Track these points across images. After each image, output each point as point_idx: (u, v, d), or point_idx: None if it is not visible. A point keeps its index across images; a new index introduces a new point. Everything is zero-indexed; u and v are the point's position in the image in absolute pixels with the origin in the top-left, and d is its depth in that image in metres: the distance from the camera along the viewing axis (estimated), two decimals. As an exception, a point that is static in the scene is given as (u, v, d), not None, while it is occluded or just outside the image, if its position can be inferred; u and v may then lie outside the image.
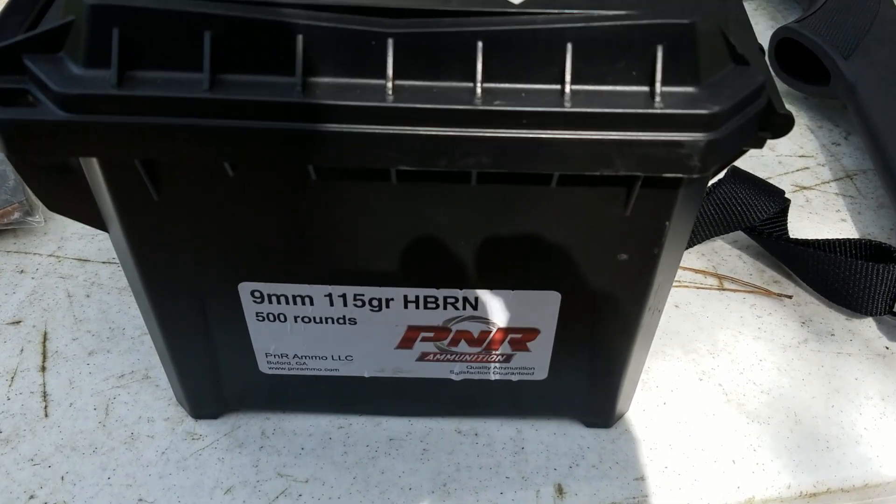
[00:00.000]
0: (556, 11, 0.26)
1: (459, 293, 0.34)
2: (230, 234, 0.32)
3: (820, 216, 0.56)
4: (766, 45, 0.66)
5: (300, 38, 0.26)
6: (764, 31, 0.73)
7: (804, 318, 0.50)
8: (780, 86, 0.66)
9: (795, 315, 0.50)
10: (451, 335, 0.37)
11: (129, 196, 0.30)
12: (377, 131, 0.26)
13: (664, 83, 0.26)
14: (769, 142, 0.29)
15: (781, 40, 0.63)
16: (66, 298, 0.48)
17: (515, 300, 0.35)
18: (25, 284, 0.49)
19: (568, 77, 0.26)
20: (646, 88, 0.27)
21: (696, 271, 0.52)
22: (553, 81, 0.27)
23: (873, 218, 0.56)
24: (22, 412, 0.43)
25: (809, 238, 0.51)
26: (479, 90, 0.26)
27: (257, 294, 0.34)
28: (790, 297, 0.50)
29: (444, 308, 0.35)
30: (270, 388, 0.40)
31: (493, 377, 0.40)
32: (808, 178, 0.60)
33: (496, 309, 0.35)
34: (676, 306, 0.50)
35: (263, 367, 0.39)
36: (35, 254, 0.51)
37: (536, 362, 0.39)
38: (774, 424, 0.44)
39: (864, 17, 0.61)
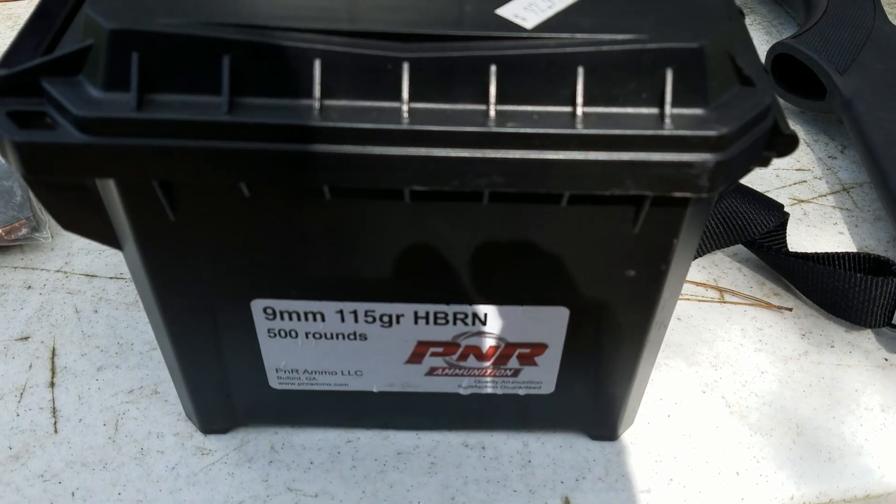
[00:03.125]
0: (567, 36, 0.27)
1: (469, 308, 0.35)
2: (244, 252, 0.32)
3: (818, 229, 0.57)
4: (762, 61, 0.66)
5: (317, 62, 0.26)
6: (760, 45, 0.74)
7: (804, 330, 0.50)
8: (777, 100, 0.67)
9: (795, 327, 0.50)
10: (460, 350, 0.37)
11: (146, 216, 0.30)
12: (392, 153, 0.27)
13: (673, 105, 0.27)
14: (777, 158, 0.30)
15: (778, 55, 0.64)
16: (74, 314, 0.49)
17: (524, 316, 0.35)
18: (33, 300, 0.49)
19: (579, 99, 0.27)
20: (655, 110, 0.27)
21: (698, 284, 0.53)
22: (565, 104, 0.27)
23: (870, 230, 0.57)
24: (31, 428, 0.43)
25: (808, 251, 0.52)
26: (492, 112, 0.27)
27: (269, 311, 0.35)
28: (790, 309, 0.51)
29: (454, 323, 0.36)
30: (280, 402, 0.41)
31: (500, 391, 0.40)
32: (806, 192, 0.60)
33: (505, 324, 0.36)
34: (678, 319, 0.51)
35: (273, 382, 0.39)
36: (42, 269, 0.51)
37: (544, 376, 0.39)
38: (777, 436, 0.45)
39: (860, 33, 0.61)
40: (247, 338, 0.36)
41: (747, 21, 0.78)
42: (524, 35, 0.27)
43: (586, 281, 0.34)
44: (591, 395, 0.41)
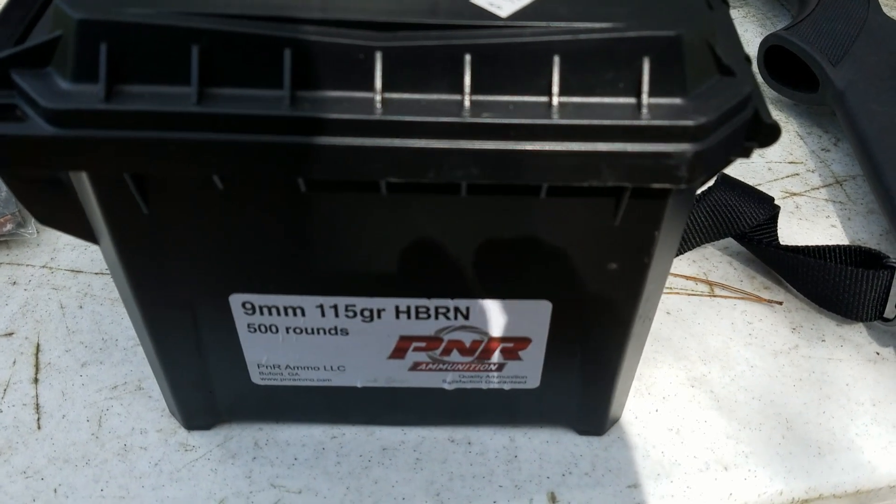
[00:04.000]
0: (542, 24, 0.26)
1: (451, 303, 0.35)
2: (221, 245, 0.32)
3: (810, 222, 0.57)
4: (755, 52, 0.66)
5: (288, 52, 0.26)
6: (753, 37, 0.73)
7: (795, 324, 0.50)
8: (770, 93, 0.67)
9: (786, 321, 0.50)
10: (442, 345, 0.37)
11: (119, 209, 0.30)
12: (366, 144, 0.26)
13: (651, 94, 0.27)
14: (757, 151, 0.30)
15: (770, 47, 0.63)
16: (59, 310, 0.48)
17: (506, 309, 0.35)
18: (18, 296, 0.49)
19: (555, 89, 0.26)
20: (633, 100, 0.27)
21: (687, 278, 0.52)
22: (540, 93, 0.27)
23: (863, 223, 0.57)
24: (14, 424, 0.43)
25: (800, 244, 0.51)
26: (467, 103, 0.26)
27: (248, 305, 0.34)
28: (780, 303, 0.50)
29: (436, 318, 0.35)
30: (263, 398, 0.40)
31: (485, 386, 0.40)
32: (798, 185, 0.60)
33: (487, 318, 0.35)
34: (668, 313, 0.50)
35: (256, 378, 0.39)
36: (27, 265, 0.51)
37: (528, 371, 0.39)
38: (766, 431, 0.44)
39: (853, 24, 0.61)
40: (227, 333, 0.36)
41: (740, 13, 0.78)
42: (499, 24, 0.26)
43: (568, 274, 0.33)
44: (576, 390, 0.40)
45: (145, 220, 0.30)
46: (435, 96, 0.27)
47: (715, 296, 0.51)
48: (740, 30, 0.74)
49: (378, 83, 0.26)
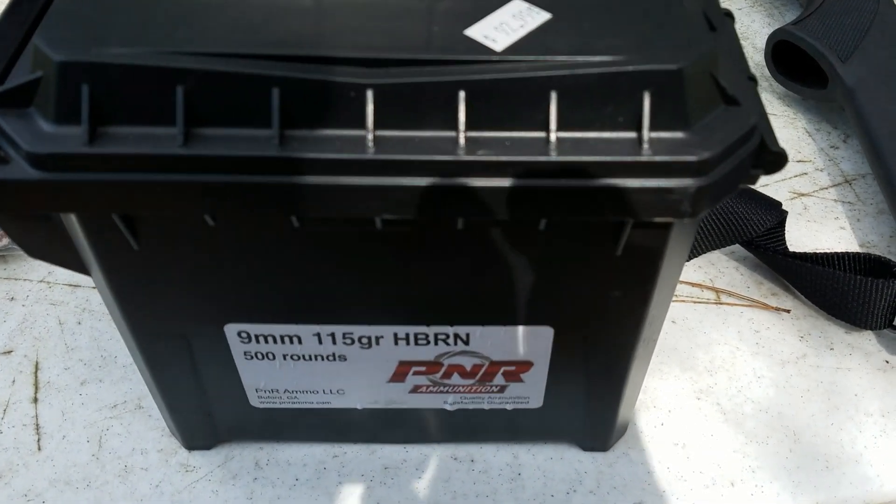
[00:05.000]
0: (538, 59, 0.26)
1: (450, 329, 0.34)
2: (214, 279, 0.31)
3: (818, 224, 0.56)
4: (762, 46, 0.65)
5: (276, 91, 0.25)
6: (761, 28, 0.72)
7: (802, 332, 0.49)
8: (778, 88, 0.66)
9: (794, 329, 0.49)
10: (443, 369, 0.36)
11: (109, 246, 0.29)
12: (359, 183, 0.26)
13: (652, 129, 0.26)
14: (764, 175, 0.29)
15: (779, 42, 0.62)
16: (58, 326, 0.48)
17: (507, 335, 0.34)
18: (16, 312, 0.49)
19: (553, 125, 0.26)
20: (633, 134, 0.26)
21: (693, 285, 0.51)
22: (538, 129, 0.26)
23: (873, 225, 0.56)
24: (15, 446, 0.43)
25: (808, 248, 0.50)
26: (462, 140, 0.26)
27: (244, 335, 0.34)
28: (788, 311, 0.50)
29: (436, 344, 0.35)
30: (262, 420, 0.40)
31: (487, 406, 0.39)
32: (806, 185, 0.59)
33: (488, 344, 0.35)
34: (673, 322, 0.49)
35: (254, 401, 0.38)
36: (25, 280, 0.51)
37: (531, 392, 0.38)
38: (773, 444, 0.44)
39: (863, 19, 0.59)
40: (223, 360, 0.35)
41: (748, 3, 0.76)
42: (494, 58, 0.26)
43: (570, 301, 0.33)
44: (580, 408, 0.40)
45: (136, 256, 0.30)
46: (429, 133, 0.26)
47: (721, 303, 0.51)
48: (747, 21, 0.73)
49: (370, 121, 0.25)
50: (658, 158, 0.25)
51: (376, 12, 0.27)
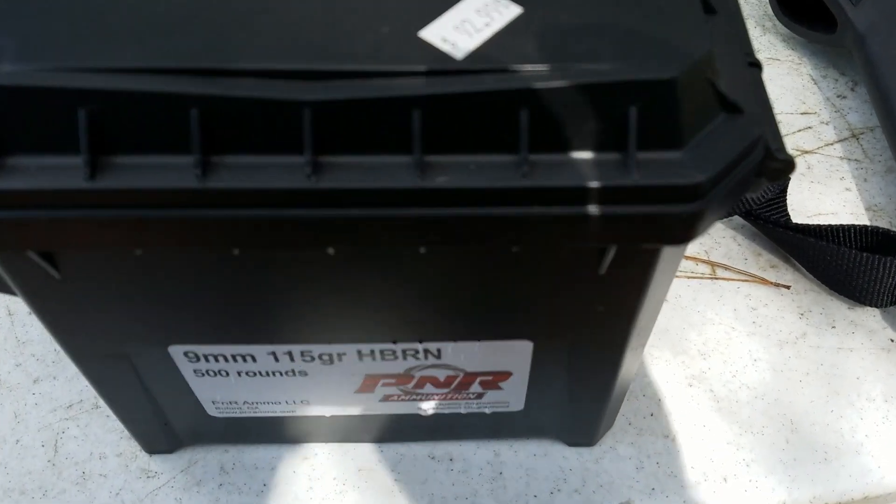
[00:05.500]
0: (507, 68, 0.22)
1: (419, 346, 0.31)
2: (149, 303, 0.28)
3: (822, 185, 0.52)
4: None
5: (195, 112, 0.21)
6: (766, -37, 0.66)
7: (803, 308, 0.46)
8: (782, 30, 0.61)
9: (793, 305, 0.46)
10: (414, 381, 0.33)
11: (29, 276, 0.26)
12: (298, 216, 0.22)
13: (640, 148, 0.22)
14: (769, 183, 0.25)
15: (784, -18, 0.57)
16: (7, 317, 0.45)
17: (483, 350, 0.31)
18: (-37, 301, 0.46)
19: (524, 146, 0.22)
20: (618, 155, 0.22)
21: (687, 258, 0.48)
22: (507, 150, 0.22)
23: (881, 185, 0.52)
24: (-35, 451, 0.40)
25: (811, 213, 0.47)
26: (418, 165, 0.22)
27: (191, 355, 0.31)
28: (788, 287, 0.47)
29: (404, 359, 0.32)
30: (225, 426, 0.37)
31: (465, 411, 0.36)
32: (811, 140, 0.55)
33: (462, 357, 0.32)
34: (665, 300, 0.46)
35: (212, 411, 0.36)
36: (-28, 265, 0.47)
37: (511, 398, 0.35)
38: (769, 434, 0.41)
39: (877, -43, 0.54)
40: (173, 377, 0.32)
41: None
42: (454, 68, 0.22)
43: (549, 317, 0.30)
44: (565, 409, 0.37)
45: (59, 283, 0.26)
46: (379, 158, 0.22)
47: (717, 278, 0.47)
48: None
49: (309, 145, 0.22)
50: (646, 183, 0.22)
51: (314, 13, 0.23)
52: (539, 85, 0.21)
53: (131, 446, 0.40)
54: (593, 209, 0.22)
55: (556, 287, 0.28)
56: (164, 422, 0.37)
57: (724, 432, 0.41)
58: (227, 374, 0.32)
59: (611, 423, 0.41)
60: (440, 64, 0.22)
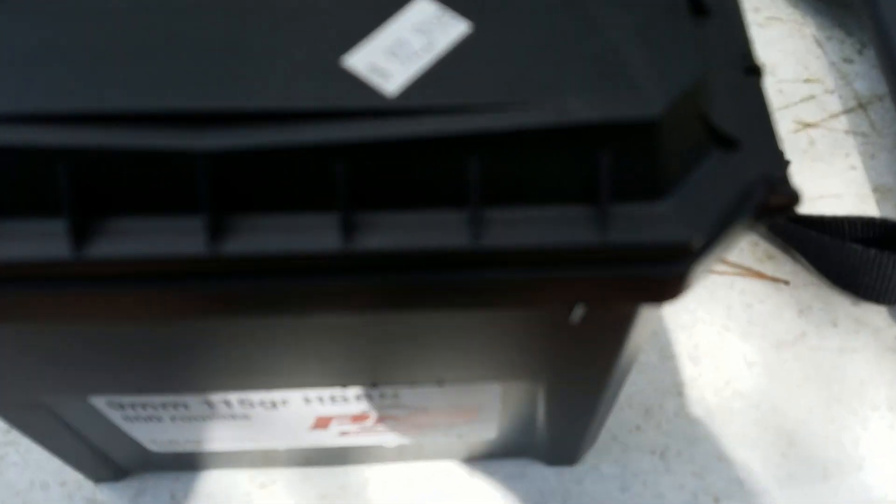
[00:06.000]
0: (450, 106, 0.17)
1: (373, 391, 0.27)
2: (63, 355, 0.24)
3: (826, 164, 0.48)
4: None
5: (63, 168, 0.17)
6: None
7: (802, 305, 0.43)
8: (785, -12, 0.56)
9: (792, 301, 0.43)
10: (372, 419, 0.30)
11: None
12: (196, 286, 0.18)
13: (614, 200, 0.18)
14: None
15: (788, -64, 0.51)
16: (-61, 330, 0.41)
17: (444, 392, 0.28)
18: None
19: (475, 199, 0.18)
20: (589, 209, 0.18)
21: (679, 250, 0.44)
22: (453, 205, 0.18)
23: (888, 163, 0.48)
24: None
25: (812, 195, 0.43)
26: (342, 225, 0.18)
27: (116, 404, 0.27)
28: (787, 282, 0.43)
29: (357, 401, 0.28)
30: (172, 457, 0.34)
31: (432, 439, 0.33)
32: (814, 112, 0.51)
33: (423, 398, 0.28)
34: (655, 297, 0.43)
35: (152, 447, 0.32)
36: None
37: (481, 428, 0.32)
38: (764, 448, 0.38)
39: None
40: (102, 421, 0.29)
41: None
42: (385, 106, 0.17)
43: (518, 361, 0.26)
44: (542, 436, 0.34)
45: (-56, 345, 0.23)
46: (295, 217, 0.18)
47: (710, 271, 0.44)
48: None
49: (206, 204, 0.18)
50: (622, 241, 0.18)
51: (209, 34, 0.18)
52: (491, 127, 0.17)
53: (76, 475, 0.37)
54: (559, 273, 0.18)
55: (522, 332, 0.24)
56: (104, 457, 0.33)
57: (715, 447, 0.38)
58: (161, 419, 0.29)
59: (594, 439, 0.38)
60: (369, 101, 0.17)
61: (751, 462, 0.38)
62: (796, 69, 0.53)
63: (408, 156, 0.17)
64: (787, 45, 0.54)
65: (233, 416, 0.29)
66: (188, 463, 0.36)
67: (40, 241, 0.18)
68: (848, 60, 0.53)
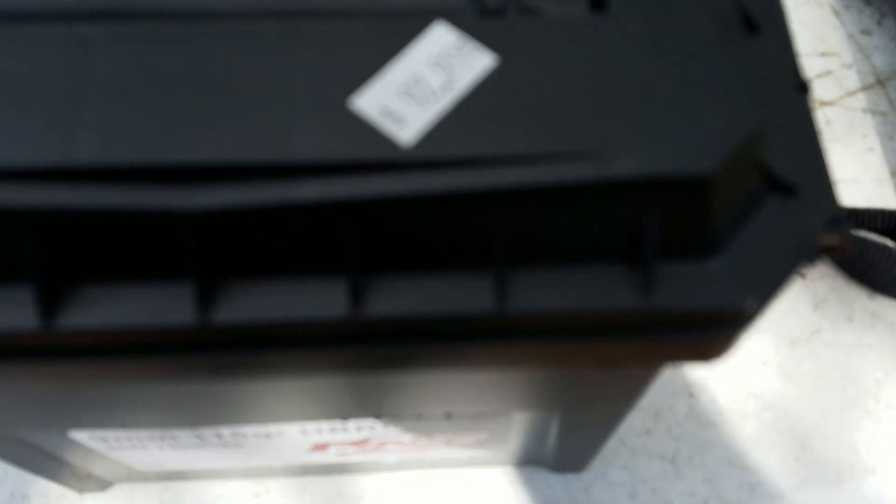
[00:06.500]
0: (474, 157, 0.15)
1: (375, 422, 0.25)
2: (37, 399, 0.22)
3: (842, 145, 0.46)
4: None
5: (27, 234, 0.15)
6: None
7: (818, 299, 0.41)
8: (802, -47, 0.53)
9: (807, 295, 0.41)
10: (372, 444, 0.28)
11: None
12: (187, 357, 0.16)
13: (660, 258, 0.16)
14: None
15: None
16: None
17: (449, 423, 0.26)
18: None
19: (500, 260, 0.16)
20: (630, 268, 0.16)
21: (690, 240, 0.42)
22: (475, 266, 0.16)
23: (908, 145, 0.46)
24: None
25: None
26: (350, 289, 0.16)
27: (97, 436, 0.25)
28: (803, 276, 0.41)
29: (357, 431, 0.26)
30: (159, 473, 0.32)
31: (434, 455, 0.32)
32: (830, 89, 0.48)
33: (430, 428, 0.26)
34: (664, 290, 0.41)
35: (140, 467, 0.30)
36: None
37: (489, 449, 0.30)
38: (777, 452, 0.37)
39: None
40: (83, 449, 0.27)
41: None
42: (399, 159, 0.15)
43: (534, 397, 0.24)
44: (551, 450, 0.32)
45: None
46: (295, 283, 0.16)
47: (722, 263, 0.42)
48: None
49: (195, 271, 0.15)
50: (665, 306, 0.16)
51: (198, 70, 0.16)
52: (521, 183, 0.15)
53: (58, 486, 0.35)
54: (594, 338, 0.16)
55: (542, 374, 0.22)
56: (87, 474, 0.31)
57: (727, 451, 0.37)
58: (147, 447, 0.27)
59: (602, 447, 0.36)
60: (380, 152, 0.15)
61: (763, 466, 0.37)
62: (812, 42, 0.50)
63: (425, 214, 0.15)
64: (804, 14, 0.51)
65: (224, 446, 0.27)
66: (178, 475, 0.34)
67: (8, 309, 0.15)
68: (866, 32, 0.51)
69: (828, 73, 0.49)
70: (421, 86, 0.15)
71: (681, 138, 0.15)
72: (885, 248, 0.37)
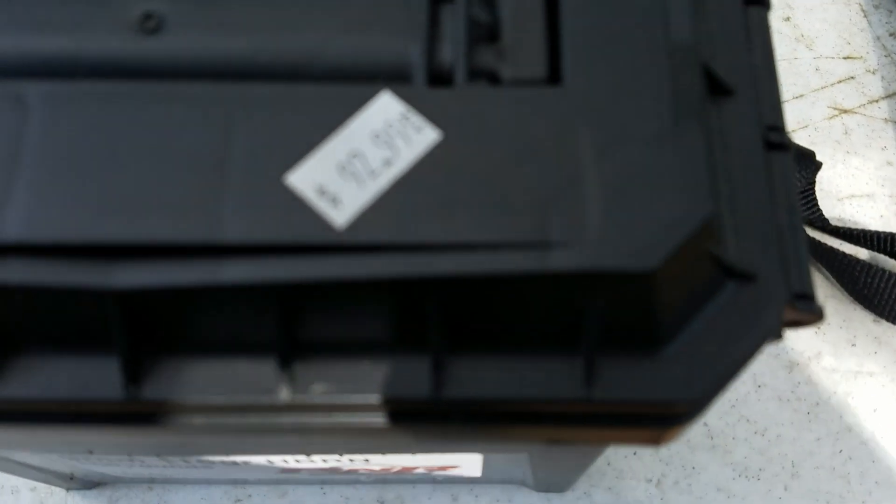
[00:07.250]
0: (408, 243, 0.14)
1: (340, 458, 0.25)
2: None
3: (860, 158, 0.44)
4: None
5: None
6: None
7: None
8: (832, -50, 0.50)
9: (810, 317, 0.40)
10: (345, 471, 0.28)
11: None
12: (117, 432, 0.16)
13: (603, 350, 0.15)
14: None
15: None
16: None
17: (419, 456, 0.26)
18: None
19: (434, 345, 0.15)
20: (567, 363, 0.15)
21: (692, 254, 0.41)
22: (411, 350, 0.15)
23: (929, 160, 0.44)
24: None
25: (842, 195, 0.40)
26: (280, 373, 0.15)
27: (69, 456, 0.25)
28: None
29: (325, 463, 0.26)
30: (142, 477, 0.33)
31: (412, 478, 0.31)
32: (852, 95, 0.46)
33: (398, 459, 0.26)
34: (662, 306, 0.40)
35: (118, 474, 0.31)
36: None
37: (464, 472, 0.30)
38: (766, 479, 0.36)
39: None
40: (62, 461, 0.27)
41: None
42: (332, 242, 0.14)
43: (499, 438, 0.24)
44: (530, 473, 0.32)
45: None
46: (224, 359, 0.15)
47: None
48: None
49: (122, 349, 0.15)
50: (605, 399, 0.15)
51: (132, 141, 0.15)
52: (456, 271, 0.14)
53: (45, 480, 0.36)
54: (536, 424, 0.16)
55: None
56: (70, 476, 0.32)
57: (715, 476, 0.36)
58: (118, 462, 0.27)
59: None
60: (312, 235, 0.14)
61: (751, 494, 0.36)
62: (837, 43, 0.48)
63: (356, 299, 0.15)
64: (830, 13, 0.49)
65: (193, 467, 0.27)
66: (158, 480, 0.34)
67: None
68: (895, 35, 0.48)
69: (850, 78, 0.47)
70: (360, 162, 0.15)
71: (624, 231, 0.14)
72: (893, 275, 0.36)
